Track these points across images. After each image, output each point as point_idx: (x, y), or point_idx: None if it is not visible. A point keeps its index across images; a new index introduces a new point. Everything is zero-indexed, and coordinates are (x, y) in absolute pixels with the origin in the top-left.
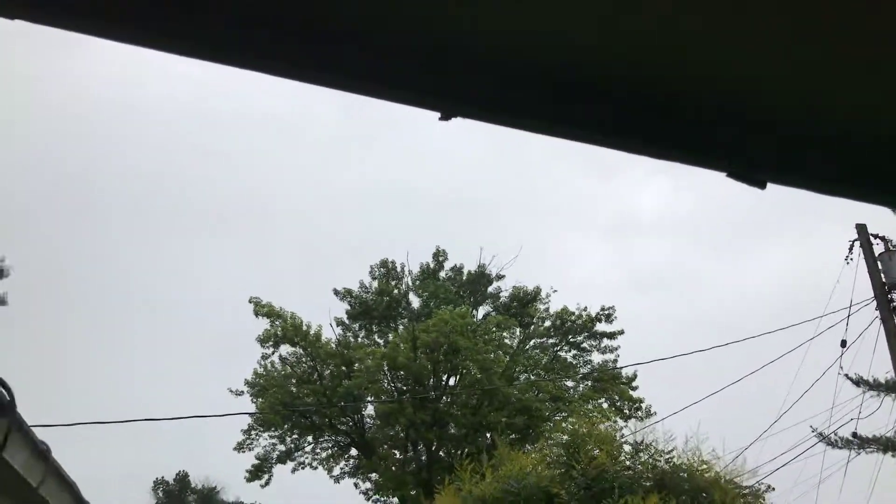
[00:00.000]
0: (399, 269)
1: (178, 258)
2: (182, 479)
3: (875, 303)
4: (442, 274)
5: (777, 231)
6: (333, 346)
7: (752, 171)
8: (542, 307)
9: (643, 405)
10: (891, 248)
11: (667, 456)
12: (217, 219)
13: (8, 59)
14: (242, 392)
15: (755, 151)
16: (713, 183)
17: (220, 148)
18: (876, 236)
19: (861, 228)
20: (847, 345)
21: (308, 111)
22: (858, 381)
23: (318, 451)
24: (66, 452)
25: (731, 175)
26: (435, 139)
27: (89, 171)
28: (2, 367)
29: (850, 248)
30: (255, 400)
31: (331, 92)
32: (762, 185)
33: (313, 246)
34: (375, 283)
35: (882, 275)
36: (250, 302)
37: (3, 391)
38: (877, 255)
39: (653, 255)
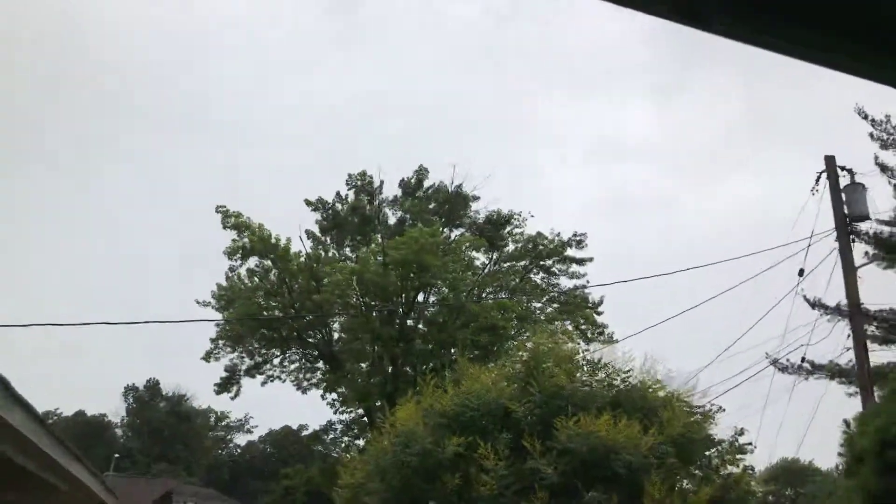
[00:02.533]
0: (378, 184)
1: (146, 161)
2: (153, 386)
3: (835, 234)
4: (419, 193)
5: (753, 162)
6: (303, 259)
7: (700, 6)
8: (516, 230)
9: (605, 330)
10: (856, 180)
11: (623, 375)
12: (187, 121)
13: None
14: (209, 303)
15: None
16: (693, 109)
17: (193, 44)
18: (843, 168)
19: (829, 160)
20: (805, 273)
21: (281, 11)
22: (815, 304)
23: (285, 363)
24: (33, 357)
25: (671, 12)
26: (418, 50)
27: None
28: None
29: (817, 180)
30: (221, 312)
31: None
32: (708, 26)
33: (287, 153)
34: (351, 194)
35: (845, 206)
36: (217, 212)
37: None
38: (842, 187)
39: (629, 179)
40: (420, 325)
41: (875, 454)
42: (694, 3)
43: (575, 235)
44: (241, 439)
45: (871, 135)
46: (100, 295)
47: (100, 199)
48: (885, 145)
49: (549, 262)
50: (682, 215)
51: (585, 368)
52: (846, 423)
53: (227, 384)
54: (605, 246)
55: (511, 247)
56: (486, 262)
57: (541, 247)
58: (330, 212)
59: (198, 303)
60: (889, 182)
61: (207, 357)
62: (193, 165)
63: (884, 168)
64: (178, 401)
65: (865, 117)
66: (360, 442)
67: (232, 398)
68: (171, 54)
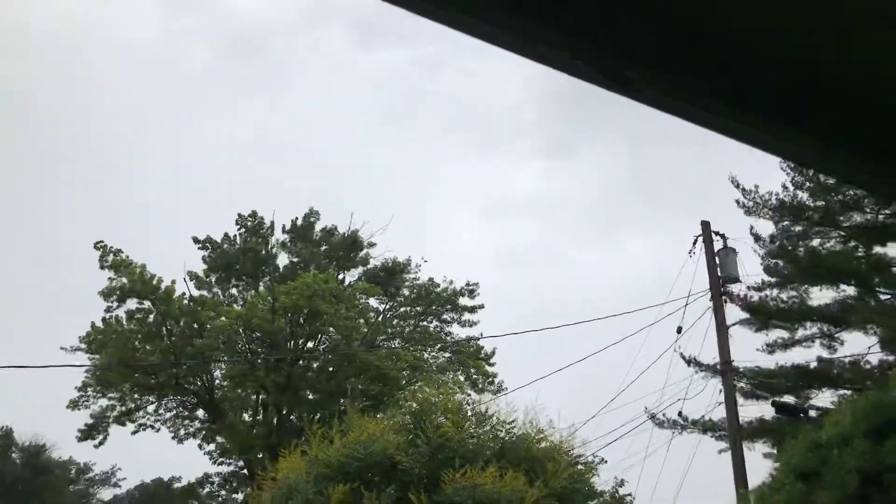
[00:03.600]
0: (268, 225)
1: (17, 194)
2: (5, 435)
3: (710, 294)
4: (313, 235)
5: (639, 221)
6: (187, 301)
7: (620, 65)
8: (409, 277)
9: (496, 380)
10: (728, 245)
11: (508, 426)
12: (64, 152)
13: None
14: (78, 348)
15: (629, 37)
16: (584, 171)
17: (79, 72)
18: (717, 233)
19: (705, 225)
20: (682, 331)
21: (182, 47)
22: (690, 361)
23: (161, 411)
24: None
25: (602, 76)
26: (322, 99)
27: None
28: None
29: (694, 243)
30: (91, 357)
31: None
32: (626, 86)
33: (177, 193)
34: (242, 232)
35: (718, 269)
36: (96, 248)
37: None
38: (716, 250)
39: (522, 234)
40: (309, 374)
41: None
42: (619, 70)
43: (467, 285)
44: (106, 493)
45: (738, 201)
46: None
47: None
48: (748, 212)
49: (441, 310)
50: (573, 271)
51: (473, 419)
52: (745, 497)
53: (92, 431)
54: (499, 297)
55: (406, 292)
56: (381, 310)
57: (433, 294)
58: (218, 251)
59: (63, 349)
60: (759, 249)
61: (74, 406)
62: (65, 201)
63: (757, 238)
64: (36, 452)
65: (738, 186)
66: (239, 496)
67: (96, 446)
68: (54, 86)
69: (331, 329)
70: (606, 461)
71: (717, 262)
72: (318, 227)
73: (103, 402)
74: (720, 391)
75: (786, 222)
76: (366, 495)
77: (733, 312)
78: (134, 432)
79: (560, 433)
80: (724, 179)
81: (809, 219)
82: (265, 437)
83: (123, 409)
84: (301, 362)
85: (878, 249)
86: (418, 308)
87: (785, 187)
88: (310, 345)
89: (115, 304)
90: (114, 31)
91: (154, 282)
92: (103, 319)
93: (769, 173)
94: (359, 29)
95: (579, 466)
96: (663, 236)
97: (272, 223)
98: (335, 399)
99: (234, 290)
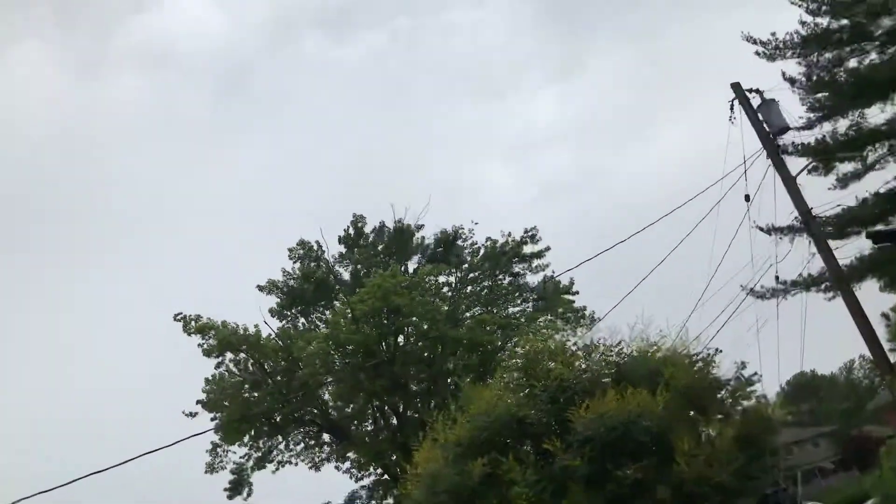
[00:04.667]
0: (316, 246)
1: (76, 280)
2: None
3: (764, 153)
4: (362, 242)
5: (667, 112)
6: (275, 340)
7: None
8: (468, 242)
9: (585, 312)
10: (766, 98)
11: (617, 349)
12: (108, 232)
13: None
14: (196, 413)
15: None
16: (597, 82)
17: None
18: (751, 90)
19: (736, 86)
20: (751, 198)
21: (176, 101)
22: (769, 230)
23: (291, 447)
24: None
25: None
26: (322, 105)
27: None
28: None
29: (731, 108)
30: (213, 418)
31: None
32: None
33: (225, 240)
34: (298, 265)
35: (765, 124)
36: (176, 320)
37: None
38: (756, 107)
39: (557, 163)
40: (409, 367)
41: None
42: None
43: (527, 231)
44: None
45: (758, 52)
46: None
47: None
48: (771, 58)
49: (509, 266)
50: (617, 179)
51: (581, 354)
52: (886, 315)
53: (238, 486)
54: (559, 230)
55: (470, 260)
56: (452, 283)
57: (497, 253)
58: (284, 289)
59: (185, 414)
60: (795, 91)
61: (211, 469)
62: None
63: (792, 81)
64: None
65: (754, 41)
66: (390, 500)
67: (245, 500)
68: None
69: (413, 318)
70: (721, 350)
71: (761, 117)
72: (368, 229)
73: (234, 455)
74: (809, 243)
75: (814, 55)
76: (503, 462)
77: (793, 165)
78: (274, 471)
79: (671, 339)
80: (735, 50)
81: (839, 41)
82: (391, 439)
83: (258, 455)
84: (397, 357)
85: None
86: (486, 268)
87: (802, 22)
88: (400, 340)
89: (219, 362)
90: (108, 108)
91: (241, 331)
92: (208, 380)
93: (778, 24)
94: (326, 26)
95: (698, 364)
96: (701, 115)
97: (317, 242)
98: (442, 382)
99: (314, 317)
